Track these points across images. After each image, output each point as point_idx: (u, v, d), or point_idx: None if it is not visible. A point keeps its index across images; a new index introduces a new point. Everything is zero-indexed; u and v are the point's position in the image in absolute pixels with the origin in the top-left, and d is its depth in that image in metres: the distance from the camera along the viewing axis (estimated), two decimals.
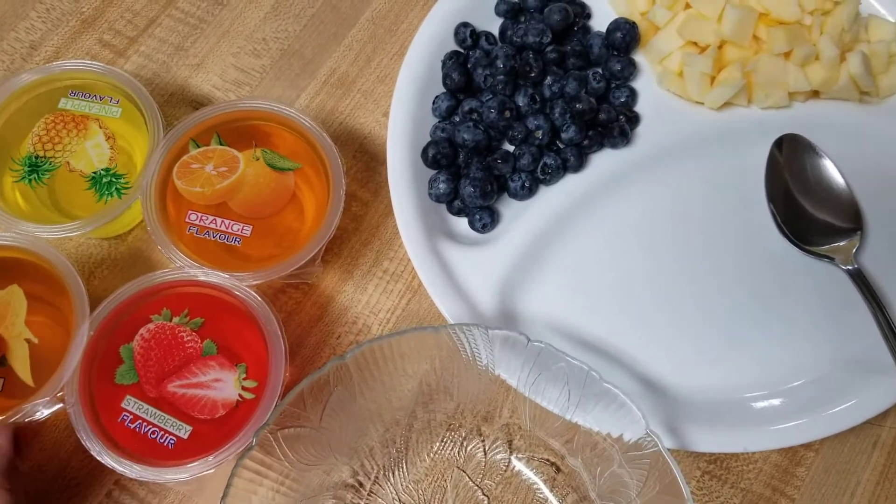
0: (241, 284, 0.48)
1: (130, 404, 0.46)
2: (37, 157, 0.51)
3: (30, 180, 0.51)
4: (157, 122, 0.51)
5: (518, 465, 0.51)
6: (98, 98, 0.52)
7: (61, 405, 0.45)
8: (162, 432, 0.45)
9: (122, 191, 0.50)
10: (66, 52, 0.60)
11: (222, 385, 0.46)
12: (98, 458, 0.44)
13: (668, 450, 0.45)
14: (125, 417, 0.45)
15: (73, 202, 0.52)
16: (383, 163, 0.56)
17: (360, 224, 0.57)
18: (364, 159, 0.58)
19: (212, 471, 0.44)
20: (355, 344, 0.54)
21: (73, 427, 0.45)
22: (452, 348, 0.47)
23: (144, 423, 0.45)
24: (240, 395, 0.46)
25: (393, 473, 0.51)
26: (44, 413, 0.45)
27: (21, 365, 0.47)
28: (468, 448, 0.52)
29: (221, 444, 0.45)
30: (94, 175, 0.51)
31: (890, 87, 0.58)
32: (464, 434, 0.52)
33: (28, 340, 0.47)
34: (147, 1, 0.62)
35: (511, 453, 0.51)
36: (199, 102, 0.59)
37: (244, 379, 0.46)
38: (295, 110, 0.52)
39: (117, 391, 0.46)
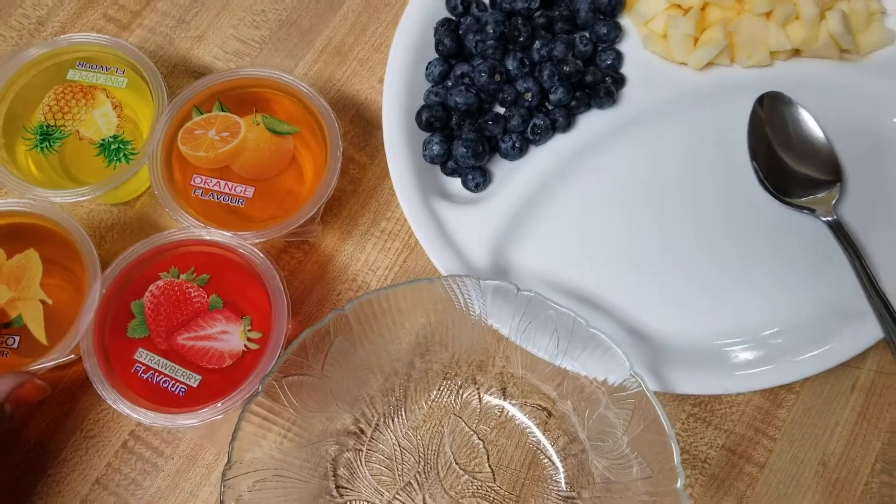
0: (244, 243, 0.50)
1: (142, 356, 0.48)
2: (48, 127, 0.53)
3: (42, 148, 0.53)
4: (162, 91, 0.53)
5: (512, 410, 0.54)
6: (105, 69, 0.54)
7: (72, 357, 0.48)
8: (173, 381, 0.48)
9: (130, 156, 0.53)
10: (72, 26, 0.63)
11: (228, 337, 0.49)
12: (114, 407, 0.47)
13: (655, 392, 0.47)
14: (138, 368, 0.48)
15: (83, 169, 0.54)
16: (379, 127, 0.58)
17: (358, 186, 0.59)
18: (361, 124, 0.61)
19: (220, 416, 0.47)
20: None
21: (90, 379, 0.48)
22: (447, 300, 0.50)
23: (156, 374, 0.48)
24: (245, 346, 0.49)
25: (392, 420, 0.54)
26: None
27: (36, 325, 0.49)
28: (464, 396, 0.54)
29: (229, 391, 0.47)
30: (102, 142, 0.53)
31: (870, 45, 0.60)
32: (459, 382, 0.54)
33: (42, 302, 0.50)
34: None
35: (505, 399, 0.54)
36: (202, 73, 0.62)
37: (249, 331, 0.49)
38: (292, 77, 0.54)
39: (130, 344, 0.49)
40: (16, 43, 0.62)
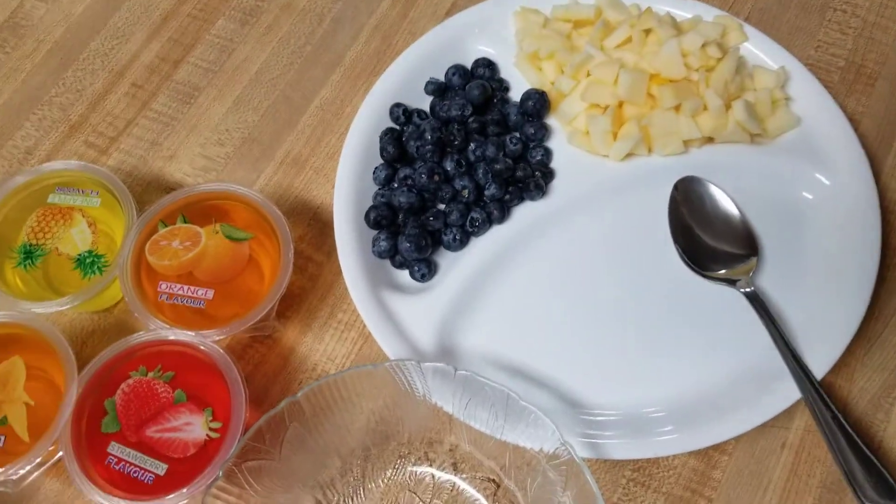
0: (206, 340, 0.55)
1: (115, 449, 0.53)
2: (30, 245, 0.60)
3: (25, 265, 0.59)
4: (131, 208, 0.60)
5: (462, 484, 0.57)
6: (81, 191, 0.61)
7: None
8: (142, 471, 0.52)
9: (103, 268, 0.59)
10: (57, 154, 0.70)
11: (192, 427, 0.53)
12: (89, 497, 0.51)
13: (592, 459, 0.51)
14: (111, 460, 0.52)
15: (63, 281, 0.60)
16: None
17: (316, 283, 0.65)
18: (318, 226, 0.67)
19: (185, 501, 0.51)
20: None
21: (68, 472, 0.52)
22: (392, 382, 0.54)
23: (127, 465, 0.52)
24: (207, 435, 0.53)
25: (352, 500, 0.57)
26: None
27: (19, 425, 0.54)
28: (418, 473, 0.58)
29: (193, 478, 0.52)
30: (79, 257, 0.59)
31: (777, 128, 0.66)
32: (413, 460, 0.58)
33: (26, 403, 0.55)
34: (125, 105, 0.72)
35: (456, 474, 0.58)
36: (173, 189, 0.68)
37: (211, 421, 0.53)
38: (246, 188, 0.60)
39: (104, 439, 0.53)
40: (6, 171, 0.69)
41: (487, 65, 0.69)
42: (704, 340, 0.60)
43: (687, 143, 0.65)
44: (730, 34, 0.69)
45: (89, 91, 0.72)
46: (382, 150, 0.65)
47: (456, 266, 0.63)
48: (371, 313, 0.60)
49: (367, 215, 0.63)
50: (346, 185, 0.64)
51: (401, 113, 0.67)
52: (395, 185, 0.65)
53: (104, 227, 0.61)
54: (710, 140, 0.66)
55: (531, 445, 0.53)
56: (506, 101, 0.68)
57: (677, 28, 0.67)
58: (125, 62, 0.74)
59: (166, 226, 0.59)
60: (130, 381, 0.54)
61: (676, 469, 0.58)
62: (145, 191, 0.68)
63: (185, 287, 0.58)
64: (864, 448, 0.54)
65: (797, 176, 0.65)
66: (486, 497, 0.57)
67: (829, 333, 0.59)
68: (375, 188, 0.65)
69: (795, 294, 0.61)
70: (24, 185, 0.61)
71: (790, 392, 0.56)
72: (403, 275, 0.63)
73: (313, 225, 0.67)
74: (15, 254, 0.59)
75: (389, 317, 0.60)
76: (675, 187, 0.64)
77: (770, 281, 0.61)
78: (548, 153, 0.66)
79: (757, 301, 0.59)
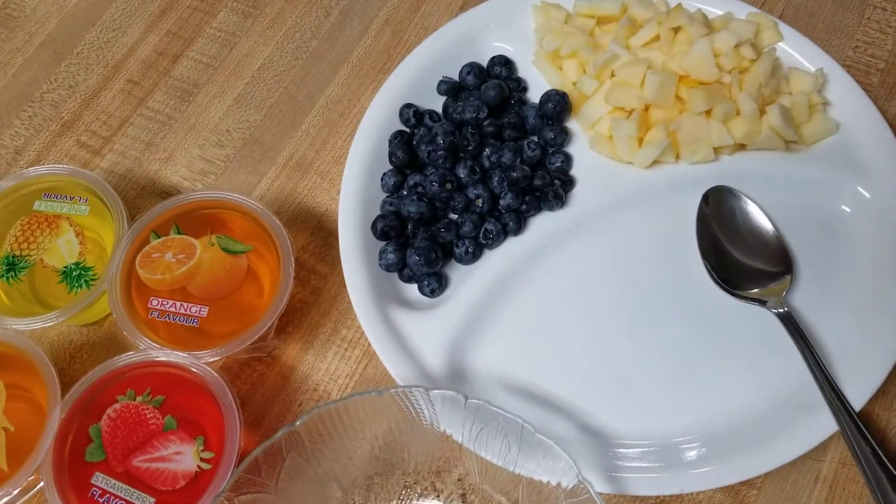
0: (198, 362, 0.51)
1: (99, 480, 0.49)
2: (14, 257, 0.56)
3: (7, 278, 0.56)
4: (122, 217, 0.56)
5: None
6: (68, 198, 0.57)
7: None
8: None
9: (91, 282, 0.55)
10: (48, 154, 0.66)
11: (182, 457, 0.50)
12: None
13: (612, 494, 0.47)
14: (94, 492, 0.49)
15: (50, 294, 0.56)
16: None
17: (318, 296, 0.61)
18: (322, 235, 0.63)
19: None
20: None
21: None
22: (398, 410, 0.51)
23: (112, 497, 0.49)
24: (198, 466, 0.49)
25: None
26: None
27: None
28: None
29: None
30: (65, 269, 0.56)
31: (814, 135, 0.62)
32: (419, 491, 0.54)
33: (5, 428, 0.51)
34: (120, 102, 0.68)
35: None
36: (169, 193, 0.64)
37: (202, 451, 0.50)
38: (244, 197, 0.56)
39: (87, 468, 0.50)
40: None
41: (504, 63, 0.65)
42: (734, 365, 0.56)
43: (717, 151, 0.61)
44: (764, 33, 0.64)
45: (83, 87, 0.69)
46: (391, 154, 0.61)
47: (468, 281, 0.59)
48: (376, 331, 0.56)
49: (373, 225, 0.59)
50: (352, 193, 0.60)
51: (411, 114, 0.62)
52: (405, 193, 0.61)
53: (93, 235, 0.57)
54: (741, 147, 0.62)
55: (547, 479, 0.49)
56: (524, 102, 0.64)
57: (708, 26, 0.62)
58: (121, 56, 0.70)
59: (159, 237, 0.55)
60: (117, 406, 0.51)
61: None
62: (139, 195, 0.64)
63: (178, 304, 0.54)
64: None
65: (835, 187, 0.61)
66: None
67: (868, 359, 0.55)
68: (383, 196, 0.61)
69: (832, 316, 0.57)
70: (9, 190, 0.57)
71: (827, 422, 0.52)
72: (412, 289, 0.59)
73: (317, 233, 0.63)
74: None
75: (396, 334, 0.56)
76: (705, 198, 0.59)
77: (804, 301, 0.57)
78: (568, 159, 0.62)
79: (790, 323, 0.55)
